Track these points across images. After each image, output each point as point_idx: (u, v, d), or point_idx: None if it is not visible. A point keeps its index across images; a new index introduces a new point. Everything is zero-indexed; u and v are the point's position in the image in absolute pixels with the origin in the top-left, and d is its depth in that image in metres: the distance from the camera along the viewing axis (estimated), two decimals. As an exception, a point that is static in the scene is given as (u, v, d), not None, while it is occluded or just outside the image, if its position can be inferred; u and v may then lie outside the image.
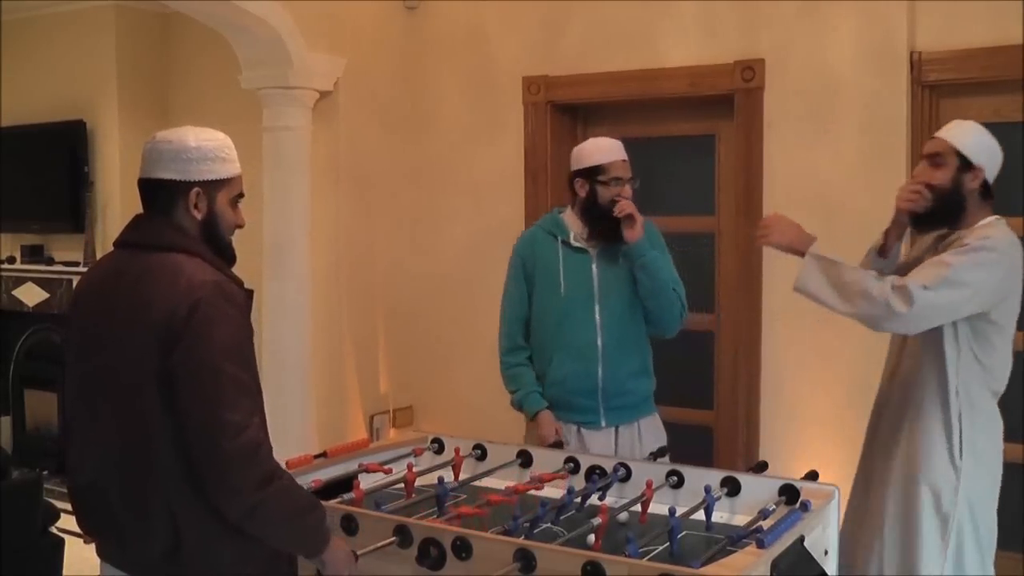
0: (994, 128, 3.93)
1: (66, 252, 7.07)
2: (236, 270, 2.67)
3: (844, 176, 4.69)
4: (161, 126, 2.72)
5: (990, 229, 3.29)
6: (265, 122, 5.23)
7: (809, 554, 2.77)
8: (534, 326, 4.04)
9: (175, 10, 5.10)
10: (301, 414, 5.24)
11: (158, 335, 2.43)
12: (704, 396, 5.23)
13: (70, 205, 6.91)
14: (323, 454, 3.54)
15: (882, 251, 3.55)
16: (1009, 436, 4.25)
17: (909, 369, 3.40)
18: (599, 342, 3.91)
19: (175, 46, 6.85)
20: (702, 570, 2.46)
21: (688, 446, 4.11)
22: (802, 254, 3.27)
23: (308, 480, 3.28)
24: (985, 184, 3.35)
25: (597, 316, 3.92)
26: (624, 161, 3.94)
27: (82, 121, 6.81)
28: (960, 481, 3.30)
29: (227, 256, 2.68)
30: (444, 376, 5.79)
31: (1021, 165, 4.30)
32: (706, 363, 5.15)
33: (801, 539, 2.76)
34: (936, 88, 4.61)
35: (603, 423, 3.94)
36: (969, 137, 3.35)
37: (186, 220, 2.59)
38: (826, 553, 2.99)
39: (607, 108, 5.50)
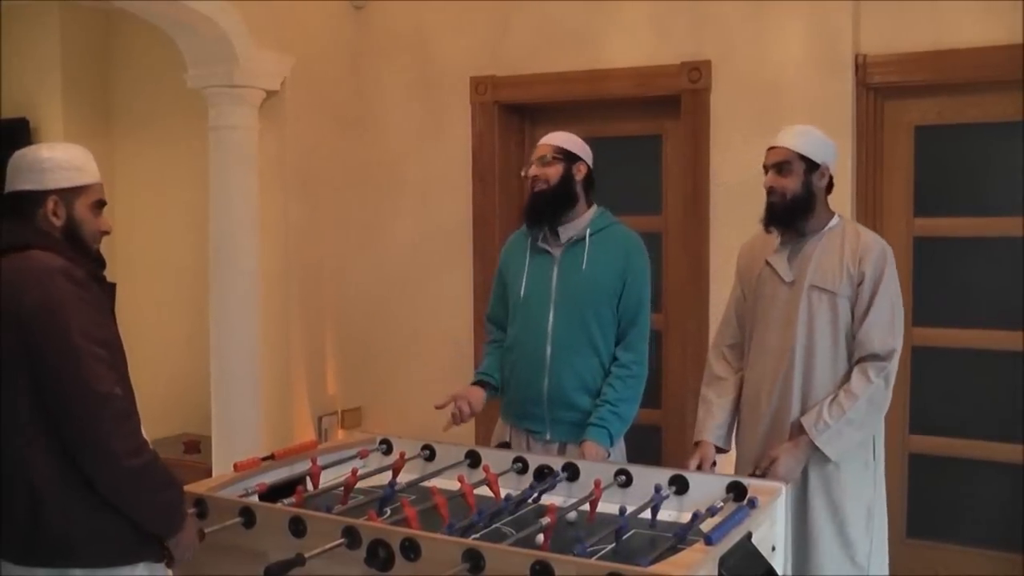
0: (936, 130, 4.00)
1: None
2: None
3: (789, 177, 4.72)
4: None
5: (866, 233, 3.58)
6: (211, 121, 5.18)
7: (757, 551, 2.79)
8: (508, 326, 4.02)
9: (120, 8, 5.03)
10: (249, 415, 5.20)
11: (16, 323, 2.57)
12: (652, 395, 5.23)
13: (12, 205, 6.80)
14: (271, 456, 3.52)
15: None
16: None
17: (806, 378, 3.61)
18: (548, 349, 3.81)
19: (120, 44, 6.75)
20: (650, 568, 2.47)
21: (636, 445, 4.11)
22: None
23: (253, 483, 3.26)
24: (830, 179, 3.60)
25: (550, 322, 3.83)
26: (548, 144, 3.89)
27: (25, 119, 6.70)
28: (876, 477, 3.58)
29: (92, 259, 2.81)
30: (393, 377, 5.77)
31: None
32: (654, 362, 5.15)
33: (749, 536, 2.78)
34: (880, 90, 4.66)
35: (548, 435, 3.85)
36: (809, 140, 3.55)
37: (46, 226, 2.74)
38: (773, 549, 3.01)
39: (554, 108, 5.50)
